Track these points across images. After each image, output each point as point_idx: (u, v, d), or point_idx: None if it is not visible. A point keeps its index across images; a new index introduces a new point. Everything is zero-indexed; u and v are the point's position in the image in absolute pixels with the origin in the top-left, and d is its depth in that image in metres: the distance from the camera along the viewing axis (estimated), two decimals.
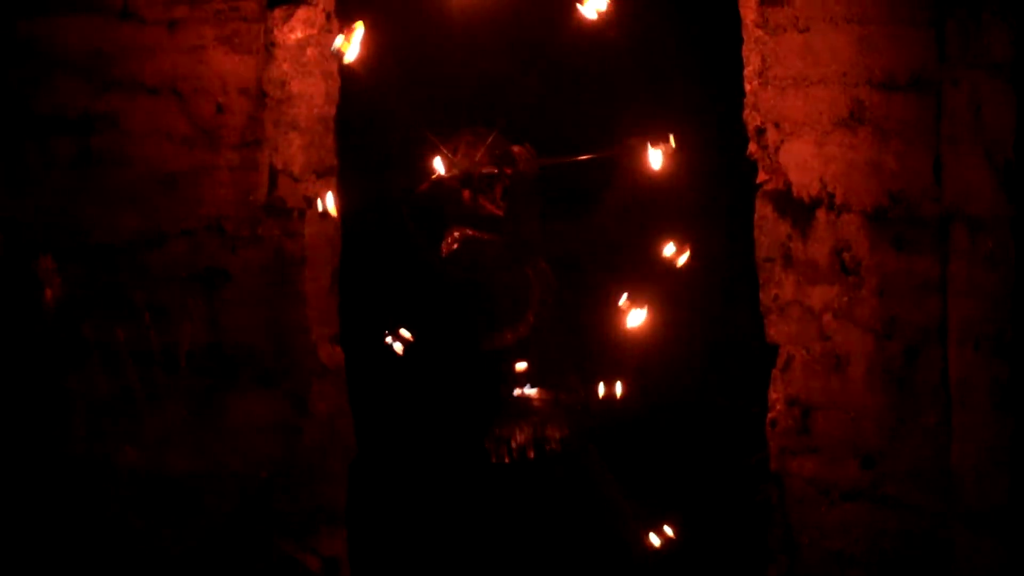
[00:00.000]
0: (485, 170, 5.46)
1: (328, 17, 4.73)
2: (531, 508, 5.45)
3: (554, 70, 5.83)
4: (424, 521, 5.75)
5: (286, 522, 4.68)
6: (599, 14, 4.90)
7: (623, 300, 5.56)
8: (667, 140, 5.36)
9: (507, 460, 5.47)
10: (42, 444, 4.58)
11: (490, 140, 5.44)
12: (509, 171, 5.42)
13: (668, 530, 5.59)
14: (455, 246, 5.45)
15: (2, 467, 4.57)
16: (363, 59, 4.73)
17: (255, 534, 4.66)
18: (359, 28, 4.64)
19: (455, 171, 5.45)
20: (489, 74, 6.20)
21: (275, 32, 4.64)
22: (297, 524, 4.70)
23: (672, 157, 5.31)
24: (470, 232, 5.45)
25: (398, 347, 5.50)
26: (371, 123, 5.81)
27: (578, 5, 4.92)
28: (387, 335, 5.57)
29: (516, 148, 5.44)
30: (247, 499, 4.65)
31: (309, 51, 4.66)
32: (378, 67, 4.99)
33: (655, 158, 5.30)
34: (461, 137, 5.51)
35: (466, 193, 5.44)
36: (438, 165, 5.44)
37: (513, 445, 5.48)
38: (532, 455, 5.47)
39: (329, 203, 4.67)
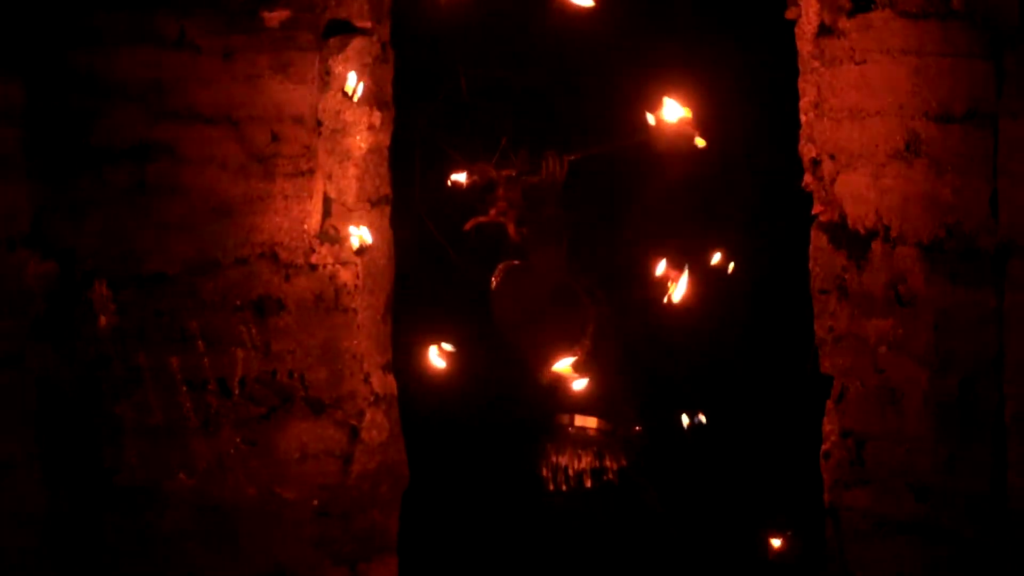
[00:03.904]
0: (505, 174, 5.44)
1: (384, 47, 4.75)
2: (584, 540, 5.43)
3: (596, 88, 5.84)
4: (476, 550, 5.74)
5: (338, 550, 4.69)
6: None
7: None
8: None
9: (563, 488, 5.45)
10: (94, 470, 4.61)
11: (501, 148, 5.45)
12: (535, 180, 5.41)
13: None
14: (500, 279, 5.44)
15: (55, 493, 4.60)
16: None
17: (307, 562, 4.67)
18: (352, 75, 4.64)
19: (476, 182, 5.45)
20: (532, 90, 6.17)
21: (330, 61, 4.65)
22: (349, 552, 4.70)
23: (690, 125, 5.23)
24: (515, 263, 5.44)
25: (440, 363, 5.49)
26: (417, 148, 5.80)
27: None
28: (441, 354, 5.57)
29: (547, 153, 5.43)
30: (298, 527, 4.66)
31: (364, 80, 4.67)
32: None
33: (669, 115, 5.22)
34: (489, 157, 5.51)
35: (511, 227, 5.43)
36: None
37: (570, 473, 5.46)
38: (589, 484, 5.45)
39: (377, 236, 4.68)
